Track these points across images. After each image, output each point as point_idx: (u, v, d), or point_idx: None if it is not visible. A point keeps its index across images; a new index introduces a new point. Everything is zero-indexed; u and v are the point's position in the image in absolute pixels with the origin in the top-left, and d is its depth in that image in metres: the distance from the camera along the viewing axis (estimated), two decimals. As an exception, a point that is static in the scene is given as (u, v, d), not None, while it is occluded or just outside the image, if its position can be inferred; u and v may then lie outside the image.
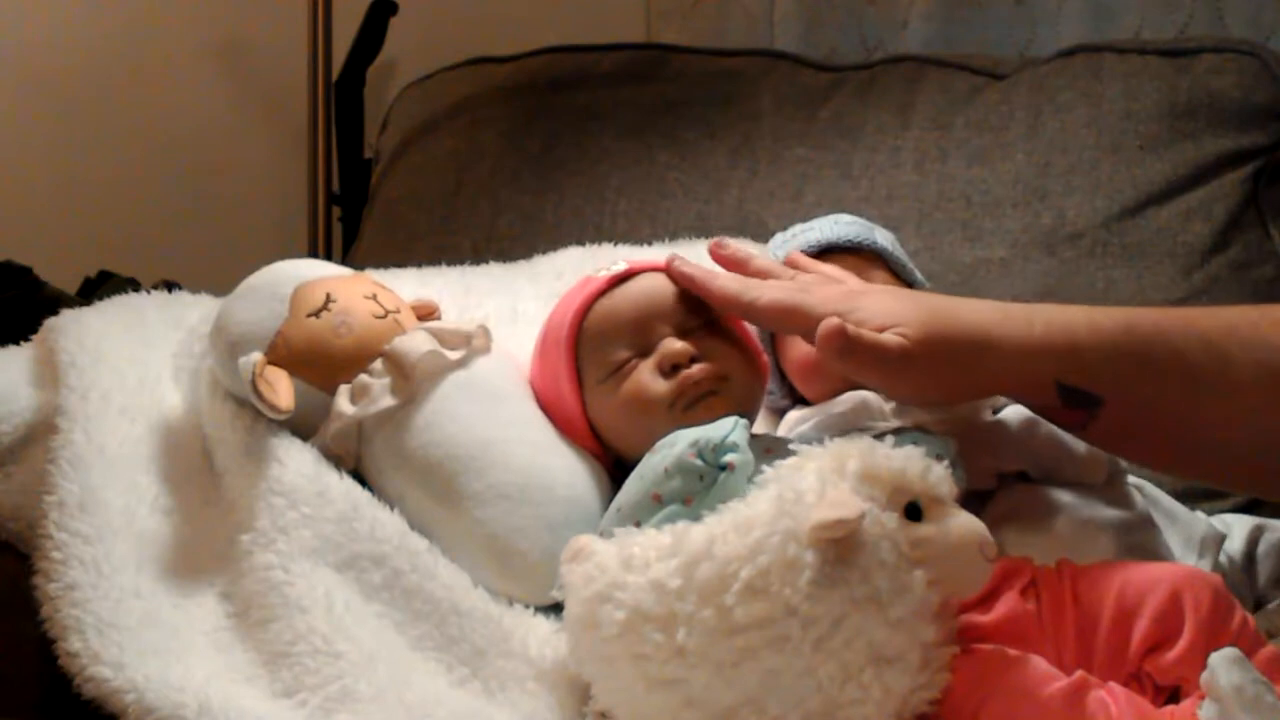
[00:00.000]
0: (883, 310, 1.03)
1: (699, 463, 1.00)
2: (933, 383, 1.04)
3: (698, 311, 1.15)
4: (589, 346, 1.14)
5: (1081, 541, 1.11)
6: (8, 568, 1.06)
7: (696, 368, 1.10)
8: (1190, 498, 1.30)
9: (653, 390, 1.10)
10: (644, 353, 1.13)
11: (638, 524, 1.00)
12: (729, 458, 1.00)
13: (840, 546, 0.91)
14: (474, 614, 1.02)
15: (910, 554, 0.92)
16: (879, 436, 1.03)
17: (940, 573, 0.92)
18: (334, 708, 0.92)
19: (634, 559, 0.94)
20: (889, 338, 1.01)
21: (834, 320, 1.01)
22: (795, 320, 1.06)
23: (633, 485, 1.05)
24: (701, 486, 1.00)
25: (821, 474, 0.94)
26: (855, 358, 1.01)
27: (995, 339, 1.02)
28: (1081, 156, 1.57)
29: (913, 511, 0.94)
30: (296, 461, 1.05)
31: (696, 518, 0.96)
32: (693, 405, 1.10)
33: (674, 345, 1.11)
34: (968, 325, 1.03)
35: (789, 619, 0.90)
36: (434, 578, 1.03)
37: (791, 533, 0.91)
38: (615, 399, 1.12)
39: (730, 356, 1.12)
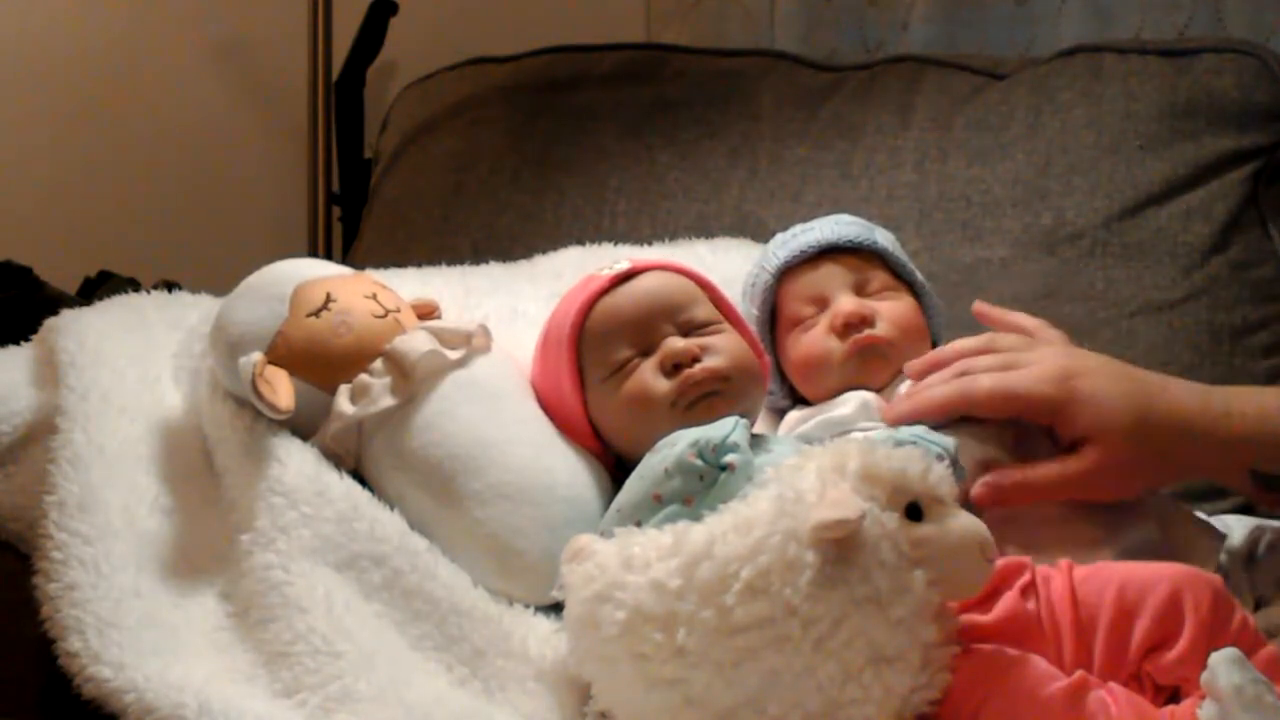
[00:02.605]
0: (1093, 412, 1.09)
1: (699, 463, 1.00)
2: (1127, 481, 1.11)
3: (700, 311, 1.15)
4: (591, 345, 1.14)
5: (1081, 541, 1.11)
6: (8, 568, 1.06)
7: (698, 367, 1.11)
8: (1191, 498, 1.30)
9: (654, 389, 1.10)
10: (646, 352, 1.13)
11: (638, 524, 1.00)
12: (730, 458, 1.00)
13: (841, 546, 0.91)
14: (474, 614, 1.02)
15: (911, 554, 0.92)
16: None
17: (941, 573, 0.92)
18: (334, 707, 0.92)
19: (634, 559, 0.94)
20: (1069, 466, 1.09)
21: (981, 487, 1.09)
22: (1016, 408, 1.12)
23: (633, 485, 1.05)
24: (702, 486, 1.00)
25: (822, 474, 0.94)
26: (1028, 498, 1.09)
27: (1196, 431, 1.09)
28: (1081, 156, 1.57)
29: (913, 511, 0.94)
30: (296, 461, 1.05)
31: (697, 518, 0.96)
32: (694, 405, 1.10)
33: (676, 344, 1.11)
34: (1171, 417, 1.09)
35: (789, 619, 0.90)
36: (434, 578, 1.02)
37: (792, 532, 0.91)
38: (617, 398, 1.12)
39: (732, 356, 1.12)
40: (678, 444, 1.02)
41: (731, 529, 0.93)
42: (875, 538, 0.92)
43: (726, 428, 1.01)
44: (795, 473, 0.95)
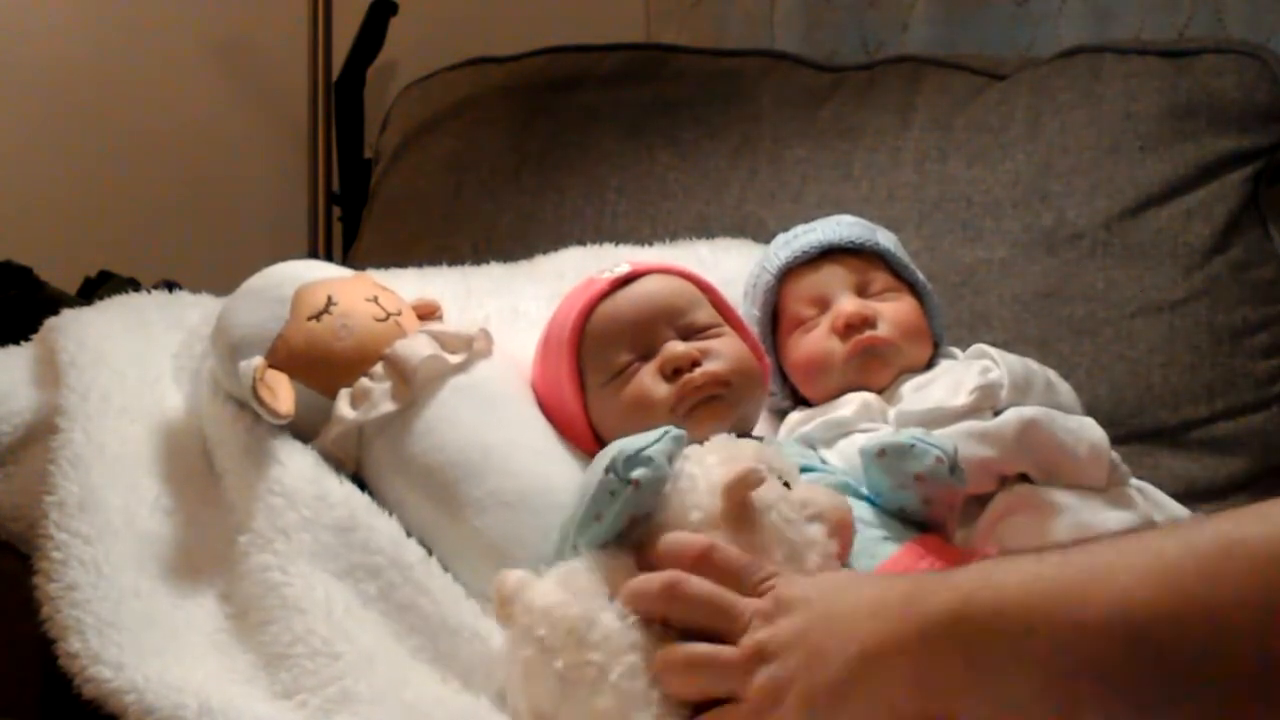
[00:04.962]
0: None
1: (611, 477, 0.96)
2: None
3: (700, 314, 1.15)
4: (591, 349, 1.14)
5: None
6: (8, 568, 1.06)
7: (698, 372, 1.10)
8: (1191, 498, 1.30)
9: (654, 394, 1.10)
10: (646, 356, 1.12)
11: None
12: (636, 474, 0.96)
13: (745, 515, 0.94)
14: (462, 632, 1.00)
15: (803, 512, 0.96)
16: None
17: (829, 526, 0.96)
18: (333, 709, 0.92)
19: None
20: None
21: None
22: None
23: (574, 500, 1.02)
24: (610, 501, 0.96)
25: (698, 462, 0.98)
26: None
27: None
28: (1082, 157, 1.57)
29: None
30: (296, 464, 1.05)
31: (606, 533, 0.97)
32: (694, 409, 1.09)
33: (676, 349, 1.11)
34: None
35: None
36: (426, 593, 1.01)
37: (704, 521, 0.94)
38: (617, 402, 1.12)
39: (732, 360, 1.12)
40: (607, 456, 0.99)
41: (648, 544, 0.96)
42: (772, 501, 0.95)
43: (648, 440, 0.98)
44: (680, 470, 0.98)
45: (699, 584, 0.91)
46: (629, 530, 0.97)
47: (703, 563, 0.92)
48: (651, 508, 0.97)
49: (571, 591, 0.93)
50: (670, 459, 0.98)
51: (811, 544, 0.95)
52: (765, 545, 0.94)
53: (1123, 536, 0.78)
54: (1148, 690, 0.73)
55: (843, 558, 0.98)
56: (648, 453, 0.97)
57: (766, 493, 0.95)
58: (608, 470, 0.97)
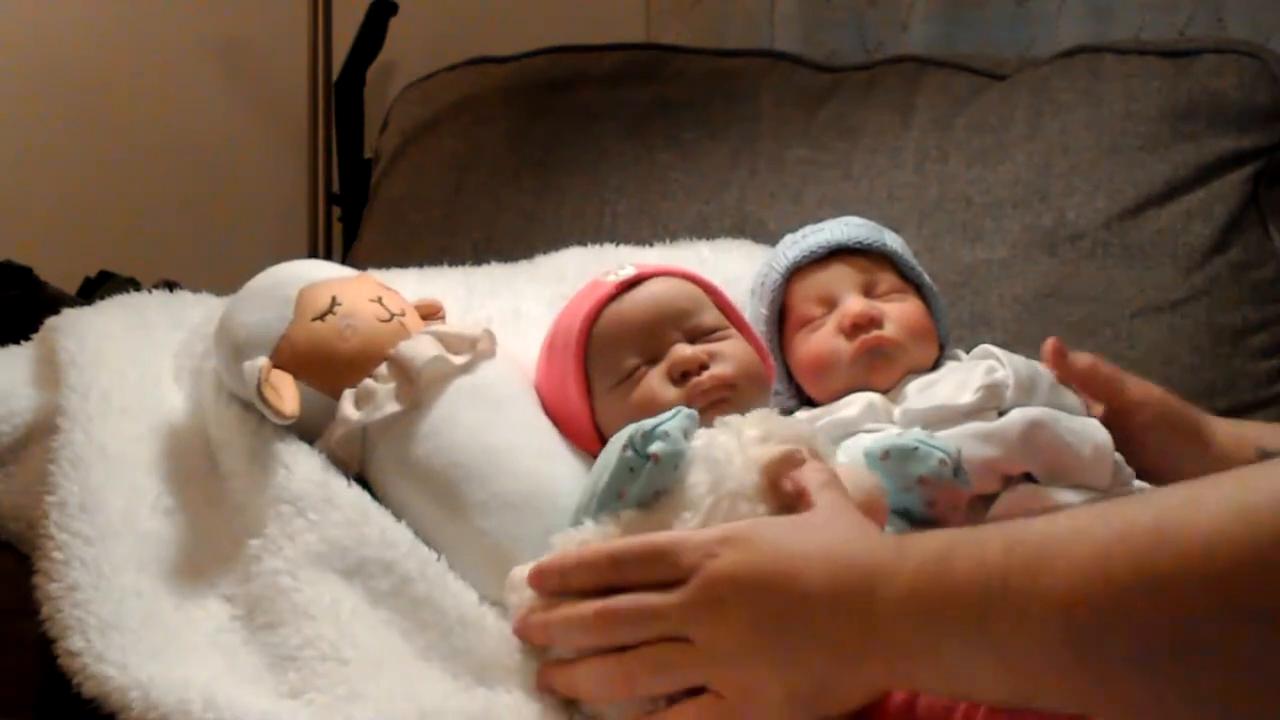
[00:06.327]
0: None
1: (629, 454, 0.98)
2: None
3: (706, 317, 1.15)
4: (598, 353, 1.14)
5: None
6: (8, 568, 1.05)
7: (706, 375, 1.10)
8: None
9: (663, 397, 1.10)
10: (654, 359, 1.12)
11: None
12: (654, 448, 0.97)
13: (782, 495, 0.94)
14: (482, 624, 1.00)
15: None
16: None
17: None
18: (341, 707, 0.92)
19: None
20: None
21: None
22: None
23: (586, 484, 1.04)
24: (631, 478, 0.98)
25: (736, 436, 0.98)
26: None
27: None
28: (1082, 157, 1.57)
29: None
30: (304, 468, 1.04)
31: (632, 507, 0.98)
32: (702, 412, 1.09)
33: (684, 352, 1.11)
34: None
35: None
36: (444, 587, 1.01)
37: (739, 493, 0.94)
38: (625, 405, 1.11)
39: (739, 363, 1.12)
40: (621, 438, 1.01)
41: (680, 508, 0.95)
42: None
43: (664, 417, 1.00)
44: (711, 444, 0.98)
45: (639, 540, 0.93)
46: (649, 504, 0.98)
47: (623, 557, 0.93)
48: (671, 483, 0.97)
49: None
50: (686, 435, 0.99)
51: None
52: None
53: (1063, 518, 0.80)
54: (1094, 674, 0.75)
55: None
56: (664, 428, 0.98)
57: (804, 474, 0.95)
58: (625, 447, 0.98)
